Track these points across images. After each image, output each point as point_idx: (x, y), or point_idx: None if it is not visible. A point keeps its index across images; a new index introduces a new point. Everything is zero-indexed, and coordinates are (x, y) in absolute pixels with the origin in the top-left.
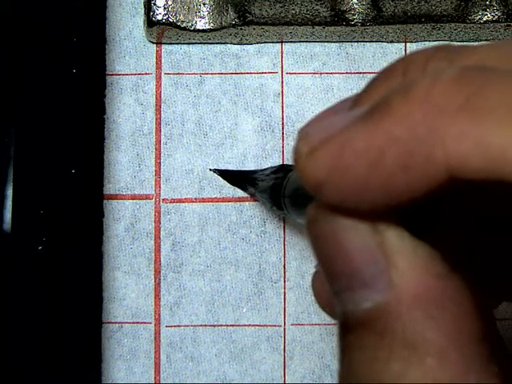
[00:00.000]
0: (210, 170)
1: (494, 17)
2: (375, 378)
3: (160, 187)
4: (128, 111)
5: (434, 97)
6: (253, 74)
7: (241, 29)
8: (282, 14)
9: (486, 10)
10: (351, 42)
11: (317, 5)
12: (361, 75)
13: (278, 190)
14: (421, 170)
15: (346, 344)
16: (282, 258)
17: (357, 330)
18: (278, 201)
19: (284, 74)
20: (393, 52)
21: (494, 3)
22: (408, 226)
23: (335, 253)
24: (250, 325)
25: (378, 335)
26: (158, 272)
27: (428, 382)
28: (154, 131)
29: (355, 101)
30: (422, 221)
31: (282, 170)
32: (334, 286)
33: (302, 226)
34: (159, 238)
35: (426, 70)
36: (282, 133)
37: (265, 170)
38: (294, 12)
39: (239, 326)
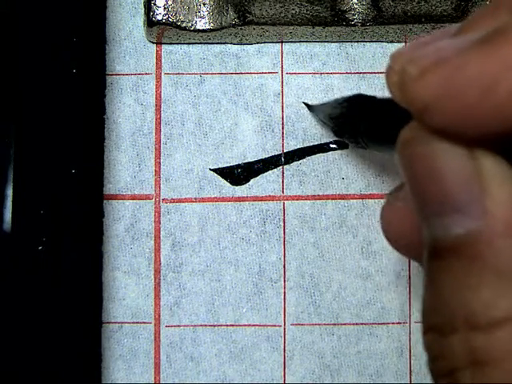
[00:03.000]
0: (304, 103)
1: None
2: (464, 305)
3: (160, 187)
4: (128, 111)
5: None
6: (253, 74)
7: (241, 29)
8: (282, 14)
9: None
10: (351, 42)
11: (317, 5)
12: (361, 75)
13: (355, 118)
14: None
15: (434, 270)
16: (282, 258)
17: (446, 256)
18: (353, 129)
19: (284, 73)
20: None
21: None
22: (507, 157)
23: (429, 176)
24: (249, 325)
25: (468, 261)
26: (157, 272)
27: None
28: (154, 131)
29: (461, 29)
30: None
31: (357, 98)
32: (424, 210)
33: (376, 156)
34: (159, 238)
35: None
36: (282, 133)
37: (338, 99)
38: (293, 12)
39: (239, 325)
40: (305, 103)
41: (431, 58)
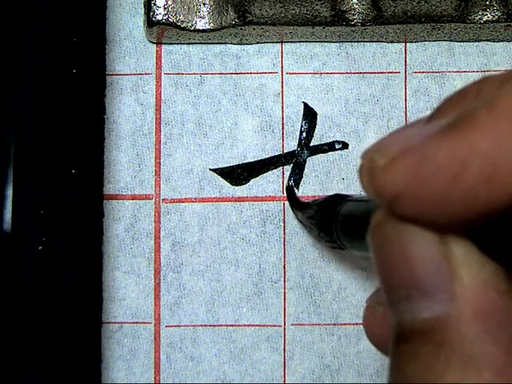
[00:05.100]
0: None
1: (494, 17)
2: None
3: (160, 187)
4: (128, 111)
5: None
6: (253, 74)
7: (241, 29)
8: (282, 14)
9: (486, 10)
10: (351, 42)
11: (317, 5)
12: (361, 75)
13: (330, 216)
14: (504, 183)
15: (400, 354)
16: (282, 258)
17: (413, 340)
18: (328, 227)
19: (284, 73)
20: (393, 52)
21: (493, 3)
22: (476, 241)
23: (398, 260)
24: (250, 325)
25: (434, 346)
26: (157, 272)
27: None
28: (153, 131)
29: (430, 117)
30: (490, 236)
31: (334, 198)
32: (391, 295)
33: (352, 253)
34: (159, 238)
35: (504, 87)
36: (282, 133)
37: (315, 200)
38: (293, 12)
39: (239, 325)
40: (289, 199)
41: (399, 147)
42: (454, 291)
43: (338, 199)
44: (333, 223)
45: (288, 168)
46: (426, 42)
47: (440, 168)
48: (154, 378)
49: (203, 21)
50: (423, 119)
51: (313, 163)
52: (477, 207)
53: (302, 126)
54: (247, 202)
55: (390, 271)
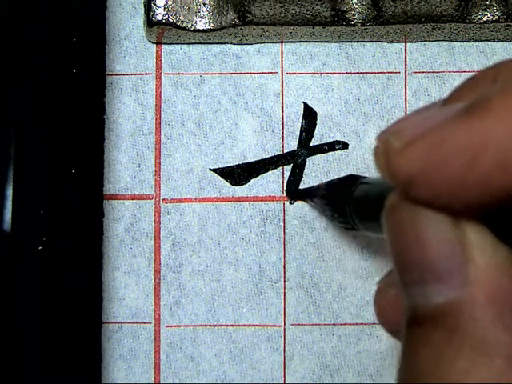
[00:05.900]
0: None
1: (494, 17)
2: (439, 375)
3: (160, 187)
4: (128, 111)
5: None
6: (253, 74)
7: (241, 29)
8: (282, 14)
9: (486, 10)
10: (351, 42)
11: (317, 5)
12: (361, 75)
13: (343, 197)
14: None
15: (412, 338)
16: (282, 258)
17: (425, 325)
18: (342, 209)
19: (284, 73)
20: (393, 52)
21: (493, 3)
22: (490, 225)
23: (412, 243)
24: (249, 325)
25: (447, 331)
26: (157, 272)
27: (494, 382)
28: (153, 131)
29: (445, 101)
30: (504, 222)
31: (348, 179)
32: (405, 278)
33: (365, 234)
34: (159, 238)
35: None
36: (282, 133)
37: (329, 181)
38: (293, 12)
39: (239, 325)
40: (289, 193)
41: (415, 130)
42: (468, 275)
43: (352, 180)
44: (347, 204)
45: (288, 168)
46: (426, 42)
47: (456, 152)
48: (154, 378)
49: (203, 21)
50: (438, 102)
51: (313, 163)
52: (491, 192)
53: (301, 126)
54: (247, 202)
55: (404, 254)
